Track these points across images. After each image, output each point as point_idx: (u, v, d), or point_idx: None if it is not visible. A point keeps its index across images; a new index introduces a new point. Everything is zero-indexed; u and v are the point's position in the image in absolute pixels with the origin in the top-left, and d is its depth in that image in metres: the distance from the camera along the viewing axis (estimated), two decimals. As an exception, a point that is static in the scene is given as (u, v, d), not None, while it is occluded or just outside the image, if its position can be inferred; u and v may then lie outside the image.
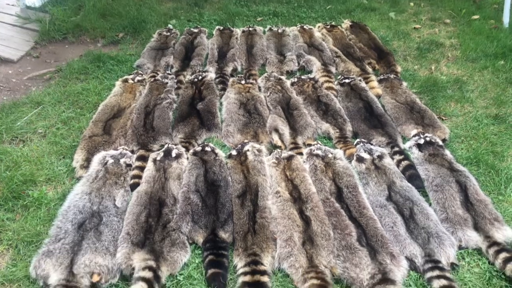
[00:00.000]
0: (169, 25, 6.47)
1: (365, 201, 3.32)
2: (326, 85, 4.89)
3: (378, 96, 4.73)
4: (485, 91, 4.88)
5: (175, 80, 5.03)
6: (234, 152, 3.81)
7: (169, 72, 5.29)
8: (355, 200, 3.30)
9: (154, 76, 5.06)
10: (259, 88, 4.90)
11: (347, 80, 4.86)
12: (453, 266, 2.92)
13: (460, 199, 3.30)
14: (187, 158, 3.78)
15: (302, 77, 5.00)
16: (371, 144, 3.94)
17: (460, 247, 3.05)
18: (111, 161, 3.62)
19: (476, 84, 5.02)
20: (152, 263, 2.81)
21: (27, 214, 3.32)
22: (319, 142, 4.08)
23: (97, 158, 3.66)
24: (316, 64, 5.25)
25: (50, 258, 2.79)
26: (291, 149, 4.02)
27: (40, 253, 2.84)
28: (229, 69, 5.30)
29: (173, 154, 3.71)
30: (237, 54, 5.57)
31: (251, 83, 4.88)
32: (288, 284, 2.86)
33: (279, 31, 6.08)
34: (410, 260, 2.92)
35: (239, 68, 5.42)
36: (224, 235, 3.10)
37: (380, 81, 4.95)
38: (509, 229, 3.09)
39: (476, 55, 5.54)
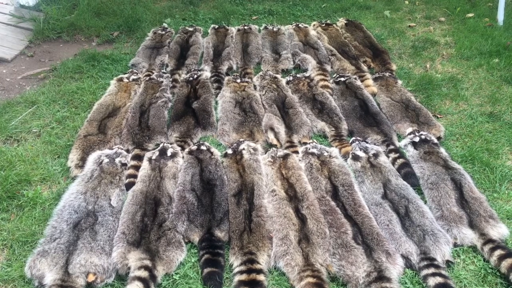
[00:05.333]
0: (164, 24, 6.46)
1: (360, 199, 3.33)
2: (321, 83, 4.90)
3: (374, 94, 4.74)
4: (479, 89, 4.90)
5: (170, 79, 5.03)
6: (229, 151, 3.80)
7: (164, 71, 5.29)
8: (351, 198, 3.31)
9: (149, 75, 5.05)
10: (255, 86, 4.90)
11: (342, 79, 4.87)
12: (448, 263, 2.93)
13: (455, 196, 3.31)
14: (183, 157, 3.78)
15: (298, 75, 5.00)
16: (367, 142, 3.95)
17: (455, 245, 3.06)
18: (106, 160, 3.60)
19: (470, 82, 5.04)
20: (147, 262, 2.80)
21: (22, 214, 3.31)
22: (315, 140, 4.08)
23: (92, 158, 3.65)
24: (311, 63, 5.26)
25: (45, 258, 2.78)
26: (287, 147, 4.02)
27: (35, 253, 2.83)
28: (224, 68, 5.30)
29: (169, 153, 3.71)
30: (232, 53, 5.56)
31: (247, 82, 4.88)
32: (284, 283, 2.86)
33: (275, 29, 6.08)
34: (406, 258, 2.93)
35: (234, 67, 5.42)
36: (220, 234, 3.10)
37: (375, 79, 4.96)
38: (504, 226, 3.10)
39: (471, 53, 5.55)
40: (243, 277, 2.78)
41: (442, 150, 3.85)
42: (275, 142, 4.06)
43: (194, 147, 3.83)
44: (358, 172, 3.66)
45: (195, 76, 4.96)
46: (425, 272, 2.83)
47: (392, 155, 3.85)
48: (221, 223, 3.16)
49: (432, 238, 2.97)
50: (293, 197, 3.31)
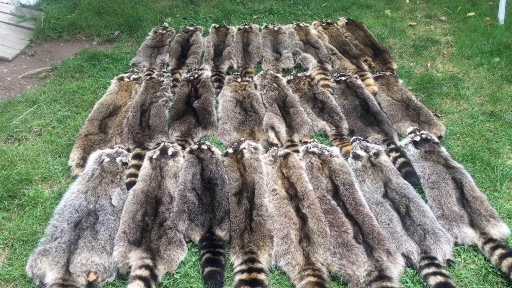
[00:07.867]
0: (165, 23, 6.46)
1: (361, 198, 3.33)
2: (322, 82, 4.89)
3: (374, 94, 4.73)
4: (480, 88, 4.89)
5: (171, 78, 5.03)
6: (230, 150, 3.80)
7: (165, 70, 5.29)
8: (352, 197, 3.31)
9: (150, 74, 5.05)
10: (255, 86, 4.90)
11: (343, 78, 4.87)
12: (449, 262, 2.93)
13: (456, 196, 3.31)
14: (183, 156, 3.78)
15: (298, 74, 5.00)
16: (367, 142, 3.95)
17: (456, 244, 3.06)
18: (107, 159, 3.61)
19: (471, 81, 5.03)
20: (148, 261, 2.80)
21: (23, 213, 3.31)
22: (316, 139, 4.08)
23: (93, 157, 3.66)
24: (312, 62, 5.25)
25: (46, 257, 2.78)
26: (288, 146, 4.02)
27: (36, 252, 2.83)
28: (225, 67, 5.29)
29: (169, 152, 3.71)
30: (233, 52, 5.56)
31: (247, 81, 4.88)
32: (285, 282, 2.86)
33: (275, 28, 6.08)
34: (407, 257, 2.93)
35: (235, 66, 5.42)
36: (221, 233, 3.10)
37: (376, 79, 4.96)
38: (504, 225, 3.10)
39: (472, 52, 5.55)
40: (244, 276, 2.78)
41: (443, 149, 3.84)
42: (276, 141, 4.06)
43: (195, 146, 3.83)
44: (359, 171, 3.66)
45: (196, 75, 4.96)
46: (425, 271, 2.83)
47: (393, 154, 3.85)
48: (222, 222, 3.16)
49: (433, 237, 2.97)
50: (294, 196, 3.31)
